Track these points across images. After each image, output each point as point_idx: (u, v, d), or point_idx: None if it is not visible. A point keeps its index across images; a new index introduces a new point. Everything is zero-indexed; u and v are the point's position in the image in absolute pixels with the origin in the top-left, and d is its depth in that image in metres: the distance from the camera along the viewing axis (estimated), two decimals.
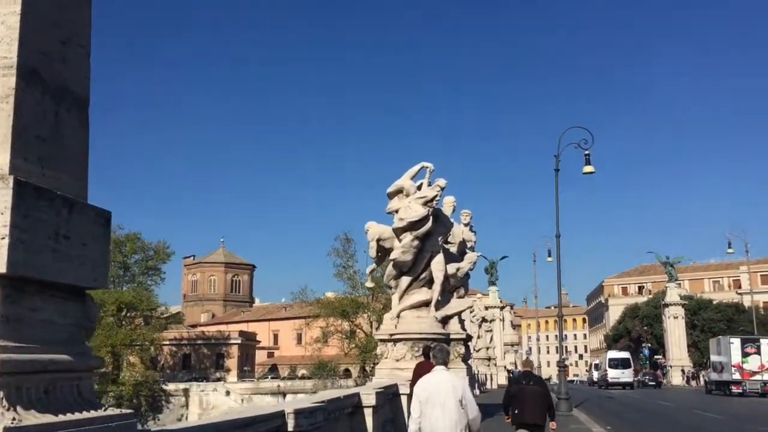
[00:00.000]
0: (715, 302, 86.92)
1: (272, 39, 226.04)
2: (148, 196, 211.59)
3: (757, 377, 36.83)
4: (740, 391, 37.43)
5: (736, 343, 39.68)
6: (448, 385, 7.02)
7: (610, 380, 46.54)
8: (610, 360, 49.37)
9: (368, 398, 10.08)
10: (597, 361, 55.12)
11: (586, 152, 21.98)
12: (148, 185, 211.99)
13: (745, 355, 38.77)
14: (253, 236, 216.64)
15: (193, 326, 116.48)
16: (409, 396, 13.69)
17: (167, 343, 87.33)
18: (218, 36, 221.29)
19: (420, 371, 10.97)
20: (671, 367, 61.13)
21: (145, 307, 72.85)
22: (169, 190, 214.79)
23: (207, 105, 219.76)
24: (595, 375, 54.15)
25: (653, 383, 51.39)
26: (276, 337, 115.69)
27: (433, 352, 7.64)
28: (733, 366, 38.27)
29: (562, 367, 21.78)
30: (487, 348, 49.02)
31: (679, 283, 70.55)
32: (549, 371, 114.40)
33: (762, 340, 40.01)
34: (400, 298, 17.90)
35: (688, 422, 21.48)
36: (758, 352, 38.43)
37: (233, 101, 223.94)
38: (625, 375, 46.17)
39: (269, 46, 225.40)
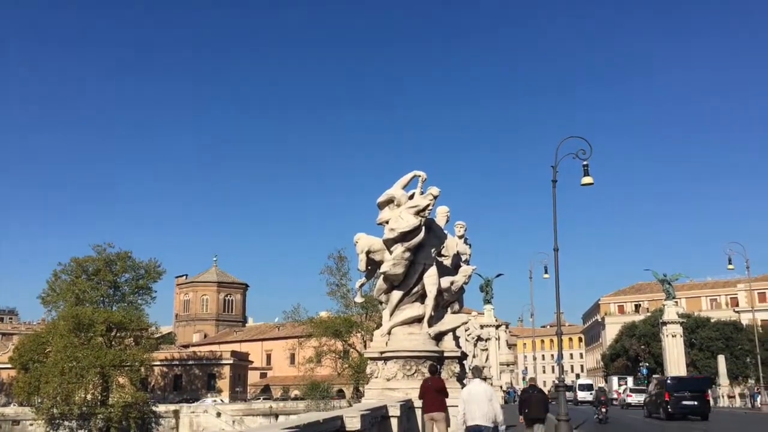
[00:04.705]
0: (713, 320, 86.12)
1: (267, 56, 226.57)
2: (140, 214, 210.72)
3: (623, 397, 55.92)
4: (617, 405, 54.57)
5: (614, 379, 68.67)
6: (482, 390, 12.22)
7: (579, 399, 63.84)
8: (580, 385, 69.73)
9: (352, 422, 9.13)
10: (574, 386, 71.71)
11: (585, 162, 21.18)
12: (140, 203, 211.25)
13: (619, 385, 63.40)
14: (246, 255, 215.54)
15: (185, 346, 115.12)
16: (399, 418, 12.93)
17: (158, 363, 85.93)
18: (212, 53, 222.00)
19: (428, 386, 13.44)
20: None
21: (136, 327, 71.70)
22: (160, 208, 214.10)
23: (199, 121, 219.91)
24: (570, 395, 70.24)
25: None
26: (269, 357, 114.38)
27: (473, 371, 13.53)
28: (614, 391, 61.45)
29: (562, 387, 20.81)
30: (483, 367, 48.09)
31: (677, 301, 69.85)
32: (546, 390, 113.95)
33: (628, 378, 66.93)
34: (391, 313, 17.02)
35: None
36: (626, 384, 62.51)
37: (226, 118, 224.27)
38: (588, 396, 63.52)
39: (265, 63, 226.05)
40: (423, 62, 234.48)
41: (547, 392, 20.18)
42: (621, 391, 59.43)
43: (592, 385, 69.74)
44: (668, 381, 34.11)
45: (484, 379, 14.14)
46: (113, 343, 70.33)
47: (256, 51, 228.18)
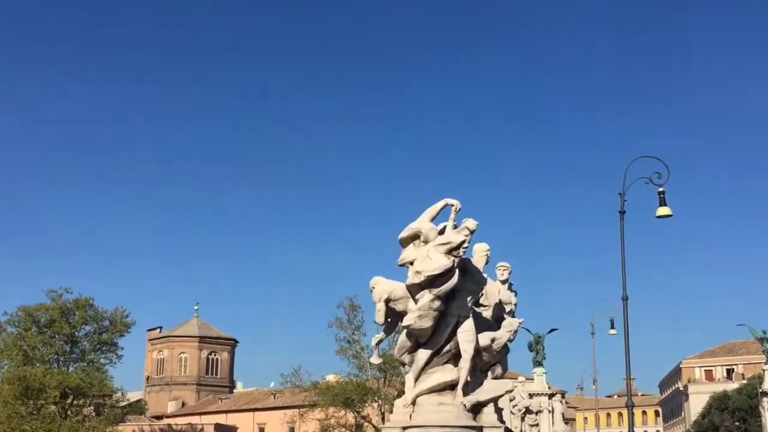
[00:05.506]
0: None
1: (262, 89, 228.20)
2: (105, 253, 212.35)
3: None
4: None
5: None
6: None
7: None
8: None
9: None
10: None
11: (660, 189, 21.15)
12: (105, 241, 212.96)
13: None
14: (235, 303, 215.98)
15: (158, 417, 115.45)
16: None
17: None
18: (200, 91, 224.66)
19: None
20: None
21: (97, 392, 72.04)
22: (130, 246, 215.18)
23: (180, 148, 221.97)
24: None
25: None
26: (262, 431, 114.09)
27: None
28: None
29: None
30: None
31: None
32: None
33: None
34: (417, 378, 16.83)
35: None
36: None
37: (211, 135, 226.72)
38: None
39: (257, 97, 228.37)
40: (449, 72, 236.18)
41: None
42: None
43: None
44: None
45: None
46: (69, 412, 70.52)
47: (252, 87, 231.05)
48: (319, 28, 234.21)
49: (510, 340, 18.52)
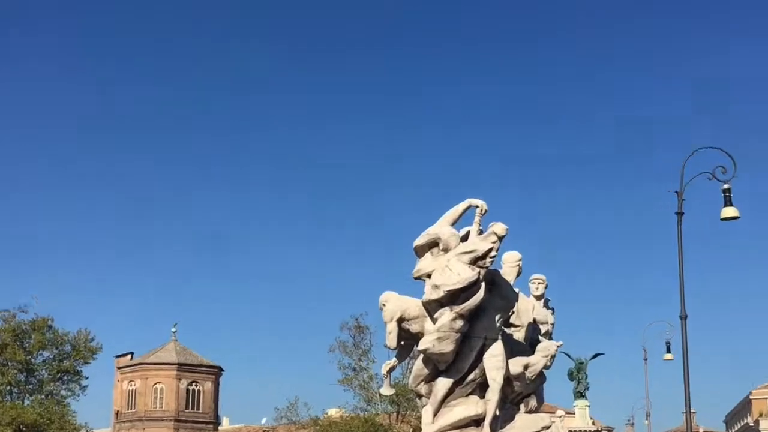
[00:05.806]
0: None
1: (255, 89, 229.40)
2: (65, 266, 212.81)
3: None
4: None
5: None
6: None
7: None
8: None
9: None
10: None
11: (725, 186, 21.05)
12: (66, 252, 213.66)
13: None
14: (219, 326, 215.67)
15: None
16: None
17: None
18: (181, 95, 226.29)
19: None
20: None
21: (58, 429, 72.31)
22: (94, 258, 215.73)
23: (165, 152, 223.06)
24: None
25: None
26: None
27: None
28: None
29: None
30: None
31: None
32: None
33: None
34: (436, 412, 16.75)
35: None
36: None
37: (204, 144, 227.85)
38: None
39: (249, 100, 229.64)
40: (464, 67, 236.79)
41: None
42: None
43: None
44: None
45: None
46: None
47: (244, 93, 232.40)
48: (320, 23, 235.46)
49: (546, 367, 18.49)
